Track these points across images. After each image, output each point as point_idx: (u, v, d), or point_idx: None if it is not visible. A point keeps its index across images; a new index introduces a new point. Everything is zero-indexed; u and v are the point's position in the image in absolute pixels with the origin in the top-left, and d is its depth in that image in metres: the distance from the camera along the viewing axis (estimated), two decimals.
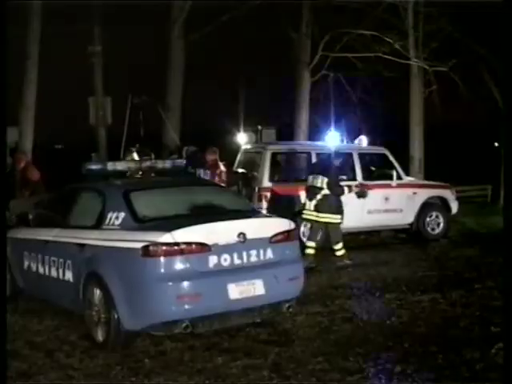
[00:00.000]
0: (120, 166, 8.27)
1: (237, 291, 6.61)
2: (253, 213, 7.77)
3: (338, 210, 11.02)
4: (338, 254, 11.16)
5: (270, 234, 6.94)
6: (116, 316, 6.55)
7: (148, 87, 18.67)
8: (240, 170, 13.29)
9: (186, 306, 6.38)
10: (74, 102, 22.78)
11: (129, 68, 24.86)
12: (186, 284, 6.40)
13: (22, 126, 16.61)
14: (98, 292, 6.80)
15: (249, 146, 14.05)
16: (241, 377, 5.98)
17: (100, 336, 6.84)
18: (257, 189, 12.53)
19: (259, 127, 14.95)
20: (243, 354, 6.55)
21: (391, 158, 13.71)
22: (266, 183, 12.56)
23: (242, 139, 14.46)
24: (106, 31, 17.71)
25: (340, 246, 11.14)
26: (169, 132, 17.03)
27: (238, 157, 13.90)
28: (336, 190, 10.90)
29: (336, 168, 11.29)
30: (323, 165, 11.52)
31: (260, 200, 12.34)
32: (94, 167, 8.18)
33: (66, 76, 24.05)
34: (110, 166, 8.18)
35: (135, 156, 13.98)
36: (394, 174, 13.60)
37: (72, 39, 18.61)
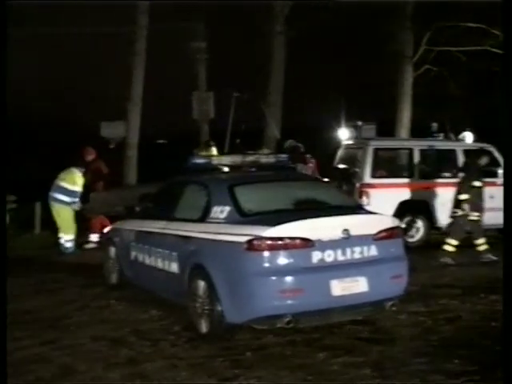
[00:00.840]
0: (225, 160, 8.34)
1: (339, 288, 6.53)
2: (357, 209, 7.67)
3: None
4: (447, 248, 10.99)
5: (374, 231, 6.82)
6: (219, 308, 6.60)
7: (250, 82, 18.78)
8: (341, 166, 13.17)
9: (289, 301, 6.36)
10: (177, 97, 23.20)
11: (232, 63, 25.08)
12: (289, 279, 6.38)
13: (129, 120, 17.12)
14: (202, 284, 6.88)
15: (350, 142, 13.89)
16: (342, 374, 5.89)
17: (203, 327, 6.92)
18: (358, 185, 12.40)
19: (359, 123, 14.72)
20: (344, 351, 6.46)
21: (497, 155, 13.22)
22: (368, 179, 12.40)
23: (344, 135, 14.30)
24: (210, 27, 17.94)
25: (454, 243, 10.97)
26: (270, 127, 17.10)
27: (339, 152, 13.78)
28: (465, 190, 10.78)
29: (476, 167, 11.11)
30: (465, 162, 11.61)
31: (361, 196, 12.19)
32: (199, 161, 8.29)
33: (170, 72, 24.53)
34: (215, 160, 8.27)
35: (214, 151, 14.08)
36: (500, 171, 13.12)
37: (177, 35, 18.94)
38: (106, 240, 9.82)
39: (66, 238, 13.00)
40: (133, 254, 8.65)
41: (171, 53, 22.03)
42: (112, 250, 9.40)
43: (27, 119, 25.06)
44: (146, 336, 7.14)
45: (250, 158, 8.47)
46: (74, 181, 12.91)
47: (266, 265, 6.37)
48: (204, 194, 7.42)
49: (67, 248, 12.98)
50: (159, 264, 7.87)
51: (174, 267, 7.52)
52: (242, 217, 6.82)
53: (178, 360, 6.35)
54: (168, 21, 17.35)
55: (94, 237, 13.64)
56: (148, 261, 8.19)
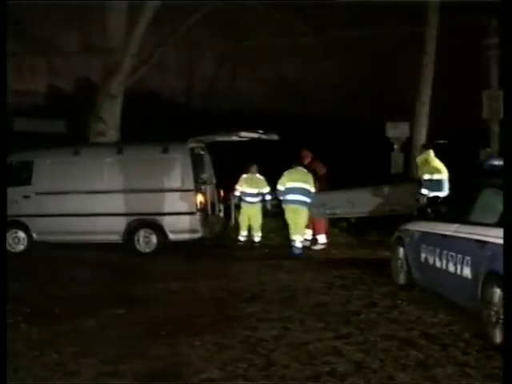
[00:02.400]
0: None
1: None
2: None
3: None
4: None
5: None
6: None
7: None
8: None
9: None
10: (464, 97, 22.47)
11: None
12: None
13: (416, 120, 16.94)
14: (498, 292, 6.53)
15: None
16: None
17: (497, 337, 6.56)
18: None
19: None
20: None
21: None
22: None
23: None
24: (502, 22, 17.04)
25: None
26: None
27: None
28: None
29: None
30: None
31: None
32: (496, 163, 7.88)
33: (457, 69, 23.82)
34: None
35: (431, 154, 13.48)
36: None
37: (467, 32, 18.32)
38: (394, 240, 9.81)
39: (301, 239, 13.20)
40: (423, 255, 8.52)
41: (459, 50, 21.38)
42: (401, 251, 9.37)
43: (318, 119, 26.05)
44: (435, 340, 6.97)
45: None
46: (311, 182, 13.09)
47: None
48: (501, 198, 7.02)
49: (300, 248, 13.19)
50: (450, 268, 7.64)
51: (467, 272, 7.24)
52: None
53: (470, 369, 6.09)
54: (459, 18, 16.79)
55: (322, 238, 13.92)
56: (438, 263, 7.99)
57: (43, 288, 9.90)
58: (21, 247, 14.10)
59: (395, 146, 18.22)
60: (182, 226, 13.42)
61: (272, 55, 21.32)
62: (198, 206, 13.39)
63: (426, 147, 13.50)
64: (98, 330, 7.66)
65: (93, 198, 13.73)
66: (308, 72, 27.00)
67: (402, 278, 9.34)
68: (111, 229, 13.66)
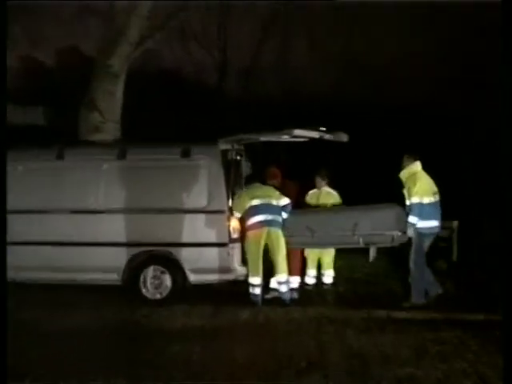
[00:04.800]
0: None
1: None
2: None
3: None
4: None
5: None
6: None
7: None
8: None
9: None
10: None
11: None
12: None
13: None
14: None
15: None
16: None
17: None
18: None
19: None
20: None
21: None
22: None
23: None
24: None
25: None
26: None
27: None
28: None
29: None
30: None
31: None
32: None
33: None
34: None
35: (419, 166, 13.09)
36: None
37: None
38: None
39: (282, 280, 13.33)
40: None
41: None
42: None
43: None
44: None
45: None
46: (278, 195, 13.48)
47: None
48: None
49: (285, 293, 13.31)
50: None
51: None
52: None
53: None
54: None
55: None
56: None
57: (20, 347, 9.97)
58: None
59: None
60: (207, 262, 13.32)
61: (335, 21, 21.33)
62: (232, 234, 13.30)
63: (412, 156, 12.86)
64: None
65: (81, 221, 13.80)
66: (388, 46, 26.81)
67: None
68: (106, 264, 13.64)
